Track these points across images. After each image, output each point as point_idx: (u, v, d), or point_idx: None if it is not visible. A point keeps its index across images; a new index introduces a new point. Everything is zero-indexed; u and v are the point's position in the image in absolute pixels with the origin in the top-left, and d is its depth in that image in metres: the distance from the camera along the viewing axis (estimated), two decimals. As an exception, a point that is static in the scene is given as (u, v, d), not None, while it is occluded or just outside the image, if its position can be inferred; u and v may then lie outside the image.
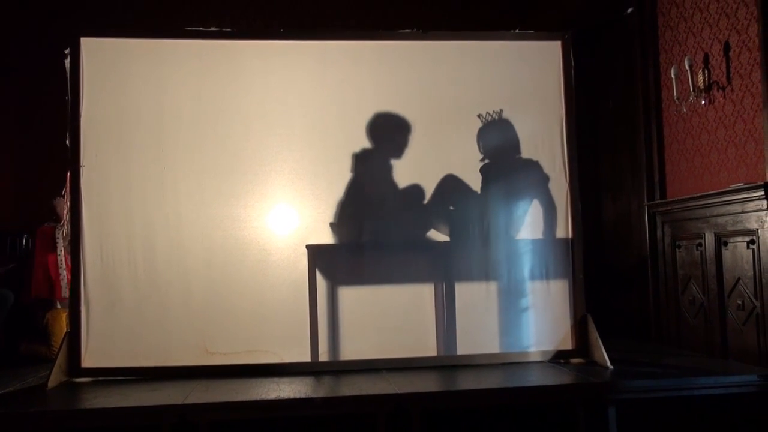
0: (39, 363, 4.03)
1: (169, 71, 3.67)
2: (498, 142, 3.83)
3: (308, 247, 3.66)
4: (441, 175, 3.79)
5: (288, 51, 3.77)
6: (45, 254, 4.55)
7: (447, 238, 3.81)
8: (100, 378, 3.49)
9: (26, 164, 5.31)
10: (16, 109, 5.40)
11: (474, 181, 3.81)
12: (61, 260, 4.53)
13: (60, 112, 3.65)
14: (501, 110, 3.79)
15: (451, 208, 3.79)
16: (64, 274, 4.50)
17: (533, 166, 3.84)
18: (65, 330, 3.72)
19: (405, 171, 3.77)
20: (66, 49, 3.59)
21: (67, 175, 3.69)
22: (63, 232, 4.58)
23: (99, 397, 3.11)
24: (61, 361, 3.42)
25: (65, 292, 4.45)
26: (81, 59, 3.59)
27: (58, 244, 4.56)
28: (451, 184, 3.76)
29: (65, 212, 4.37)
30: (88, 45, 3.62)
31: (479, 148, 3.80)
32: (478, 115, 3.79)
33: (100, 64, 3.62)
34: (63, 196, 4.44)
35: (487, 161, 3.81)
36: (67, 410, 2.95)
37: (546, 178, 3.83)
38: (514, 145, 3.84)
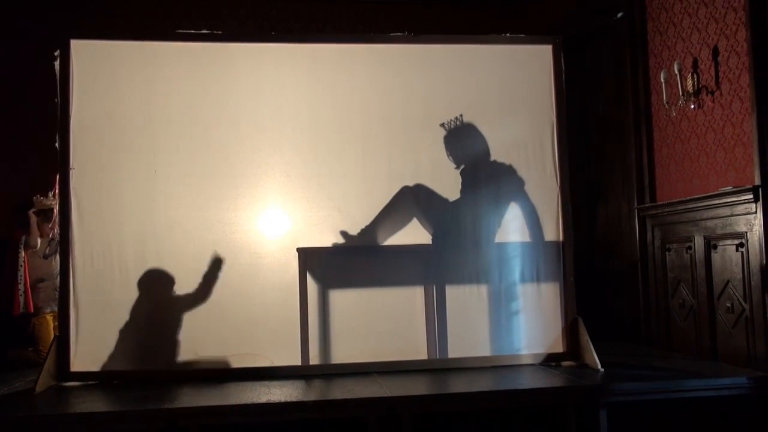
0: (27, 367, 3.99)
1: (160, 74, 3.66)
2: (471, 147, 3.82)
3: (299, 250, 3.66)
4: (432, 178, 3.79)
5: (279, 54, 3.77)
6: (12, 263, 4.49)
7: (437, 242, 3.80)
8: (89, 382, 3.46)
9: (15, 167, 5.27)
10: (6, 111, 5.36)
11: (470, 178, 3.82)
12: (21, 275, 4.41)
13: (50, 114, 3.62)
14: (461, 115, 3.79)
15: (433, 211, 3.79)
16: (21, 288, 4.39)
17: (509, 169, 3.84)
18: (52, 334, 3.68)
19: (397, 173, 3.77)
20: (56, 50, 3.57)
21: (56, 178, 3.66)
22: (26, 240, 4.48)
23: (88, 401, 3.08)
24: (49, 365, 3.39)
25: (23, 307, 4.36)
26: (71, 61, 3.57)
27: (19, 254, 4.47)
28: (412, 196, 3.75)
29: (52, 219, 4.31)
30: (78, 47, 3.60)
31: (450, 155, 3.80)
32: (441, 124, 3.78)
33: (90, 66, 3.61)
34: (52, 198, 4.40)
35: (462, 166, 3.81)
36: (55, 415, 2.92)
37: (523, 182, 3.83)
38: (486, 149, 3.84)
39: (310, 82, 3.76)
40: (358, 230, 3.70)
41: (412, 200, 3.75)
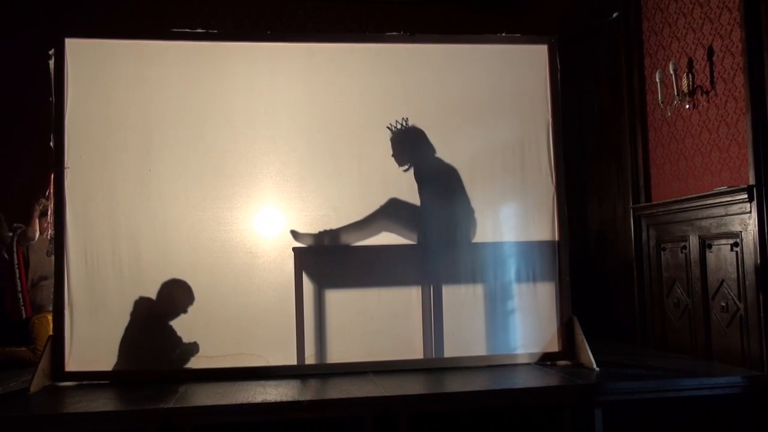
0: (20, 367, 3.98)
1: (155, 72, 3.65)
2: (418, 148, 3.81)
3: (295, 249, 3.65)
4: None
5: (275, 53, 3.77)
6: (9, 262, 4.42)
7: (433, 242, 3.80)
8: (84, 382, 3.45)
9: (12, 166, 5.25)
10: (2, 109, 5.34)
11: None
12: (17, 278, 4.33)
13: (45, 113, 3.61)
14: (406, 118, 3.77)
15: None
16: (19, 296, 4.29)
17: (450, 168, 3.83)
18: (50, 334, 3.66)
19: (392, 172, 3.77)
20: (50, 49, 3.56)
21: (50, 177, 3.65)
22: (22, 232, 4.38)
23: (83, 401, 3.07)
24: (44, 365, 3.38)
25: (23, 313, 4.28)
26: (66, 60, 3.56)
27: (13, 255, 4.38)
28: (393, 210, 3.75)
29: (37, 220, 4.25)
30: (73, 46, 3.59)
31: (399, 157, 3.78)
32: (387, 126, 3.76)
33: (85, 65, 3.59)
34: (46, 198, 4.36)
35: (409, 167, 3.79)
36: (50, 414, 2.92)
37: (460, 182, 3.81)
38: (431, 149, 3.82)
39: (306, 82, 3.75)
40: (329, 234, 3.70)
41: (392, 218, 3.74)
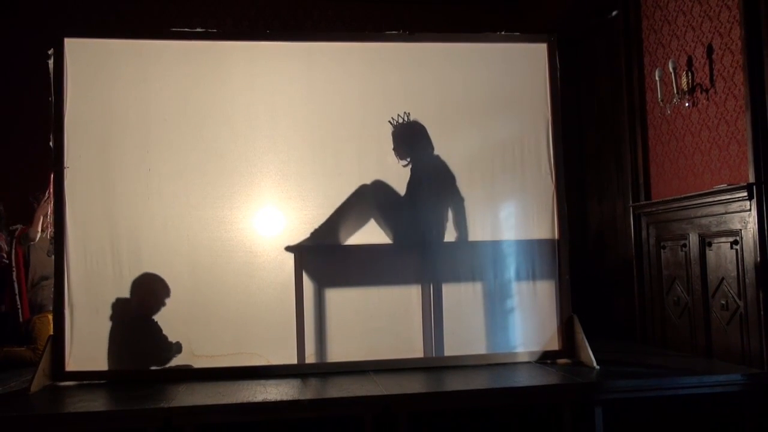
0: (20, 367, 3.98)
1: (155, 72, 3.64)
2: (417, 143, 3.80)
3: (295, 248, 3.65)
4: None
5: (274, 52, 3.76)
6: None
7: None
8: (85, 382, 3.45)
9: (10, 166, 5.25)
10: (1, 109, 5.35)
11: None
12: (15, 280, 4.30)
13: (45, 113, 3.61)
14: (408, 113, 3.78)
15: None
16: (17, 298, 4.26)
17: (444, 165, 3.82)
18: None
19: (392, 171, 3.77)
20: (50, 49, 3.56)
21: (50, 176, 3.65)
22: (24, 234, 4.36)
23: (83, 401, 3.07)
24: (44, 364, 3.38)
25: (21, 316, 4.26)
26: (65, 60, 3.56)
27: (11, 254, 4.36)
28: (373, 188, 3.73)
29: (41, 218, 4.24)
30: (72, 45, 3.59)
31: (399, 151, 3.77)
32: (389, 120, 3.76)
33: (85, 64, 3.59)
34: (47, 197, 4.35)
35: (408, 161, 3.78)
36: (50, 414, 2.91)
37: (454, 177, 3.80)
38: (430, 145, 3.81)
39: (305, 81, 3.75)
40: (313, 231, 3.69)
41: (371, 201, 3.73)
